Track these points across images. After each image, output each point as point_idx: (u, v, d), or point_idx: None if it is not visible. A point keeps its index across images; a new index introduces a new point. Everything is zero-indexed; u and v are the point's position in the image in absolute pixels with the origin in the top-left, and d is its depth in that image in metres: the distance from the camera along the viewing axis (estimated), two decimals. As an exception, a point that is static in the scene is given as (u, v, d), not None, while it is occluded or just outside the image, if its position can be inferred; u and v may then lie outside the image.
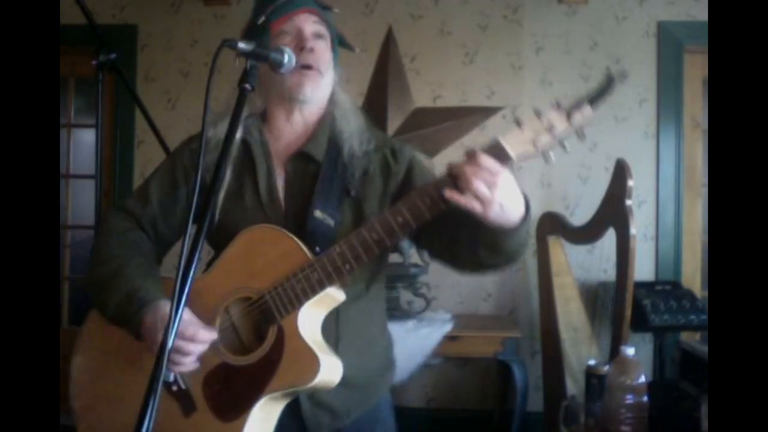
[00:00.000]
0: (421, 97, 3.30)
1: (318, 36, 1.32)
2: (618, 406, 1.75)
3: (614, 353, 2.33)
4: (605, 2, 3.27)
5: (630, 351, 1.80)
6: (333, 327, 1.27)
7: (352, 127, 1.34)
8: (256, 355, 1.20)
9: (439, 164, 3.23)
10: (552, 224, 2.96)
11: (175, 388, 1.22)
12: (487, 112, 3.28)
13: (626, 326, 2.43)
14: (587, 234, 2.74)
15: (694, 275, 3.30)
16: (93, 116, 2.36)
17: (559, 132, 1.08)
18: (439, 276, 2.99)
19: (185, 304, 0.97)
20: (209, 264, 1.31)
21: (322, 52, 1.32)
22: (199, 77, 3.36)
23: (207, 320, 1.21)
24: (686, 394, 2.19)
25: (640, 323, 2.78)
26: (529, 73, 3.29)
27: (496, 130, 3.26)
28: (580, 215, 3.06)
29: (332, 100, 1.38)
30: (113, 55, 2.20)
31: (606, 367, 1.86)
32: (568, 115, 1.08)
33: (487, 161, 1.07)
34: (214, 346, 1.20)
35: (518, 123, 1.10)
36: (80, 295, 3.41)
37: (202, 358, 1.20)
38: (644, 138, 3.25)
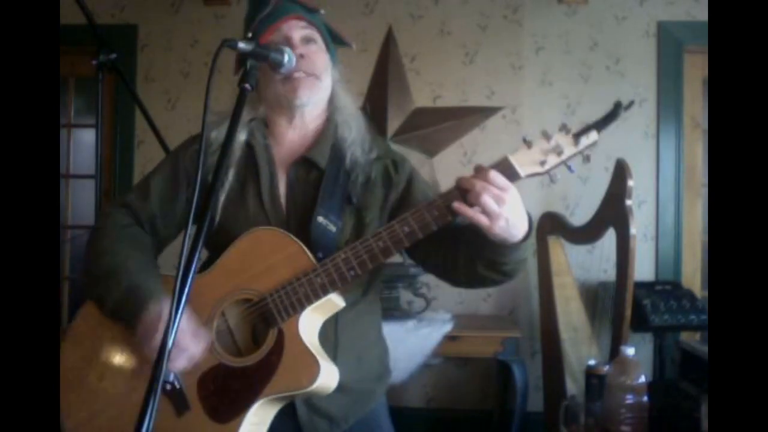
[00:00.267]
0: (421, 97, 3.30)
1: (308, 40, 1.32)
2: (618, 406, 1.75)
3: (614, 353, 2.33)
4: (605, 2, 3.27)
5: (630, 351, 1.80)
6: (332, 332, 1.28)
7: (354, 134, 1.35)
8: (254, 356, 1.20)
9: (439, 164, 3.25)
10: (552, 224, 2.95)
11: (168, 387, 1.21)
12: (487, 112, 3.28)
13: (626, 326, 2.43)
14: (587, 234, 2.73)
15: (694, 275, 3.30)
16: (93, 116, 2.36)
17: (566, 154, 1.13)
18: (439, 276, 2.98)
19: (184, 307, 0.96)
20: (204, 266, 1.30)
21: (315, 55, 1.32)
22: (199, 77, 3.36)
23: (204, 320, 1.21)
24: (686, 394, 2.20)
25: (640, 323, 2.78)
26: (529, 73, 3.29)
27: (496, 130, 3.27)
28: (580, 215, 3.06)
29: (334, 103, 1.38)
30: (113, 55, 2.20)
31: (606, 367, 1.86)
32: (576, 140, 1.12)
33: (497, 177, 1.11)
34: (210, 347, 1.20)
35: (528, 143, 1.14)
36: (80, 295, 3.40)
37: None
38: (644, 138, 3.25)
